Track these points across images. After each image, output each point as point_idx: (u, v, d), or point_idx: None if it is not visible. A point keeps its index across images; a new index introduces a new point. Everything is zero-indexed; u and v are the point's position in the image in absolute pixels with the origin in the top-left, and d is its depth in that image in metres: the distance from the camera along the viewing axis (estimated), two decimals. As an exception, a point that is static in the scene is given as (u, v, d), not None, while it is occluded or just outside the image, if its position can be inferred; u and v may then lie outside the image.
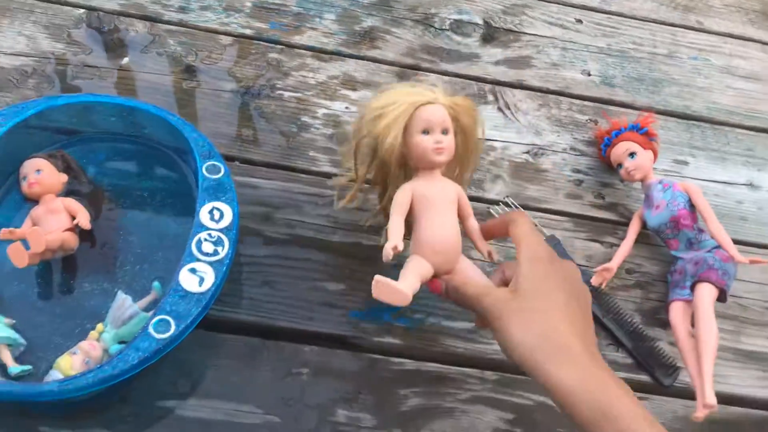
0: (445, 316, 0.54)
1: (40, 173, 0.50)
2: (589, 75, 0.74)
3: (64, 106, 0.52)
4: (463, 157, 0.49)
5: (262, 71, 0.66)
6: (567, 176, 0.65)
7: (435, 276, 0.45)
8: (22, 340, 0.45)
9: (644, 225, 0.60)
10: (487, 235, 0.49)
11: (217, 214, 0.49)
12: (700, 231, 0.57)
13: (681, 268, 0.56)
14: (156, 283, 0.49)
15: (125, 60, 0.64)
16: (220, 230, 0.48)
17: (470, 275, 0.46)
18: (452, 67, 0.71)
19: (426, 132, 0.45)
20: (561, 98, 0.71)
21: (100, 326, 0.46)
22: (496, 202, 0.61)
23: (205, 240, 0.47)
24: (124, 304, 0.47)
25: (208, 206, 0.49)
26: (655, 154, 0.61)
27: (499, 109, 0.69)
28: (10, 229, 0.47)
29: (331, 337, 0.51)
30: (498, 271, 0.47)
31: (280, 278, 0.53)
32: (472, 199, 0.61)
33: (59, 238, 0.48)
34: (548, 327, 0.39)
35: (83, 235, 0.50)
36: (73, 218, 0.49)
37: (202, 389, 0.48)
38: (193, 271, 0.45)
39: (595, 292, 0.57)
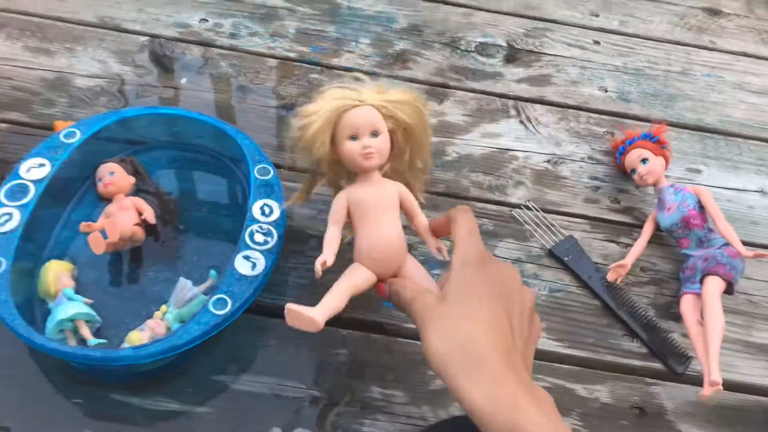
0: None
1: (113, 175, 0.57)
2: (606, 91, 0.79)
3: (133, 118, 0.60)
4: (411, 153, 0.48)
5: (304, 90, 0.73)
6: (585, 183, 0.70)
7: (380, 280, 0.46)
8: (98, 318, 0.52)
9: (658, 227, 0.64)
10: (436, 233, 0.48)
11: (267, 210, 0.55)
12: (710, 231, 0.61)
13: (692, 265, 0.60)
14: (212, 271, 0.55)
15: (183, 80, 0.71)
16: (270, 223, 0.54)
17: (414, 277, 0.45)
18: (478, 85, 0.77)
19: (353, 137, 0.45)
20: (579, 112, 0.76)
21: (164, 307, 0.53)
22: (517, 206, 0.66)
23: (257, 231, 0.53)
24: (185, 287, 0.53)
25: (259, 203, 0.55)
26: (667, 161, 0.66)
27: (521, 122, 0.74)
28: (89, 223, 0.54)
29: (367, 323, 0.57)
30: (444, 274, 0.45)
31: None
32: (494, 203, 0.66)
33: (130, 230, 0.55)
34: (466, 336, 0.37)
35: (148, 230, 0.57)
36: (141, 214, 0.56)
37: (253, 367, 0.53)
38: (246, 258, 0.52)
39: (611, 286, 0.61)
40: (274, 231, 0.54)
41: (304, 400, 0.52)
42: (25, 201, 0.52)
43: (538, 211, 0.66)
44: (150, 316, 0.53)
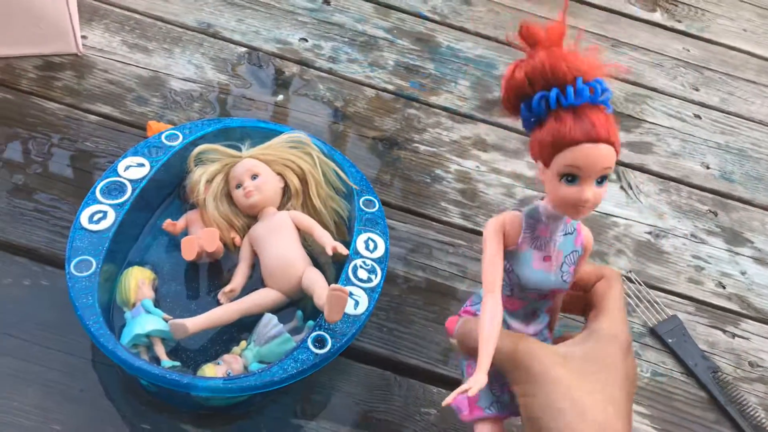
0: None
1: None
2: (708, 168, 0.75)
3: (233, 129, 0.57)
4: (309, 192, 0.54)
5: (400, 124, 0.70)
6: (687, 261, 0.65)
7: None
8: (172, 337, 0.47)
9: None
10: (577, 284, 0.40)
11: (371, 245, 0.51)
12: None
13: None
14: (299, 312, 0.50)
15: (280, 97, 0.69)
16: (374, 260, 0.50)
17: (314, 281, 0.48)
18: (577, 143, 0.74)
19: (239, 185, 0.53)
20: (681, 186, 0.72)
21: (243, 343, 0.48)
22: (619, 276, 0.62)
23: (361, 267, 0.49)
24: (270, 322, 0.48)
25: (364, 236, 0.51)
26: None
27: (622, 188, 0.71)
28: (173, 222, 0.52)
29: (460, 383, 0.52)
30: (572, 335, 0.38)
31: (413, 317, 0.55)
32: (594, 269, 0.62)
33: (219, 244, 0.51)
34: (608, 421, 0.33)
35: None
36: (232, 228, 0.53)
37: (333, 414, 0.48)
38: (349, 294, 0.47)
39: (719, 379, 0.56)
40: (378, 268, 0.50)
41: (390, 460, 0.47)
42: (121, 200, 0.49)
43: (641, 284, 0.62)
44: (230, 344, 0.48)
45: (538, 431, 0.34)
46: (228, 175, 0.53)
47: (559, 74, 0.32)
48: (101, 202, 0.48)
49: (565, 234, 0.37)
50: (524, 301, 0.39)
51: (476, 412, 0.38)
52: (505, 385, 0.38)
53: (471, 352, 0.37)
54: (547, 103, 0.32)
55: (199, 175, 0.52)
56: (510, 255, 0.37)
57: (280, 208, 0.54)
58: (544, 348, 0.36)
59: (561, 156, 0.32)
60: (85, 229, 0.46)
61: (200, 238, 0.50)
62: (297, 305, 0.51)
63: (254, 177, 0.53)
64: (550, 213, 0.36)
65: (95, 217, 0.47)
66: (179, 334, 0.45)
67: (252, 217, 0.53)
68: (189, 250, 0.49)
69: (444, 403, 0.34)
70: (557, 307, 0.41)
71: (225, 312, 0.47)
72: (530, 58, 0.33)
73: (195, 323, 0.45)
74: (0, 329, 0.47)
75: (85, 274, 0.44)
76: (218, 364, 0.46)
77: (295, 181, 0.54)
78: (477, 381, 0.33)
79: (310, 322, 0.49)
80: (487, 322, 0.35)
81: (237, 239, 0.52)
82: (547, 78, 0.32)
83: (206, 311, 0.47)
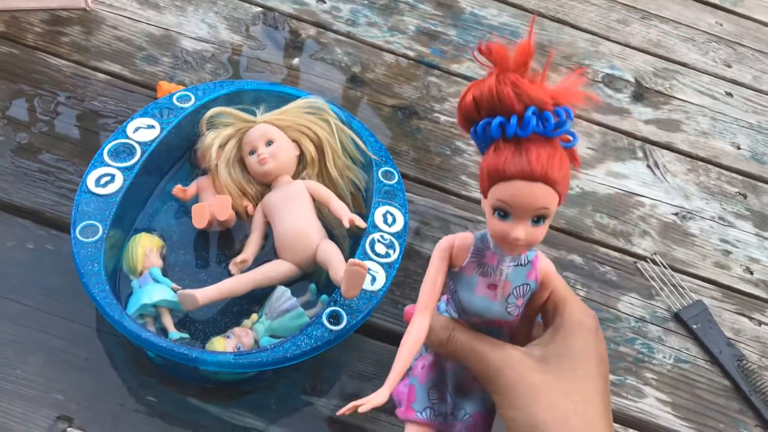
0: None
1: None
2: (739, 148, 0.72)
3: (252, 92, 0.54)
4: (325, 160, 0.52)
5: (420, 92, 0.67)
6: (715, 245, 0.63)
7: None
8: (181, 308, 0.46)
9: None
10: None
11: (390, 218, 0.49)
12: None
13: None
14: (312, 285, 0.48)
15: (296, 60, 0.66)
16: (392, 234, 0.48)
17: (330, 255, 0.46)
18: (603, 119, 0.71)
19: (252, 152, 0.50)
20: (710, 166, 0.69)
21: (254, 316, 0.46)
22: (643, 258, 0.60)
23: (378, 241, 0.47)
24: (283, 295, 0.46)
25: (382, 209, 0.49)
26: (560, 200, 0.32)
27: (649, 166, 0.68)
28: (183, 187, 0.49)
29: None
30: (544, 331, 0.36)
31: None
32: (618, 250, 0.60)
33: (231, 212, 0.49)
34: (586, 422, 0.32)
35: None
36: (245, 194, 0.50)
37: (348, 391, 0.47)
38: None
39: (744, 368, 0.54)
40: (396, 243, 0.48)
41: (401, 440, 0.45)
42: (129, 163, 0.46)
43: (665, 267, 0.59)
44: (241, 316, 0.47)
45: None
46: (241, 141, 0.51)
47: (506, 102, 0.29)
48: (109, 165, 0.46)
49: (517, 265, 0.34)
50: (473, 327, 0.36)
51: (409, 412, 0.37)
52: (445, 394, 0.37)
53: (442, 347, 0.36)
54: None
55: (212, 140, 0.49)
56: (456, 277, 0.35)
57: (295, 177, 0.52)
58: (519, 354, 0.34)
59: (495, 189, 0.30)
60: (92, 193, 0.44)
61: (212, 205, 0.48)
62: (310, 278, 0.49)
63: (269, 143, 0.50)
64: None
65: (102, 181, 0.45)
66: (188, 305, 0.43)
67: (265, 185, 0.51)
68: (200, 218, 0.47)
69: (338, 413, 0.34)
70: (517, 336, 0.39)
71: (236, 283, 0.45)
72: (481, 82, 0.30)
73: (205, 294, 0.43)
74: (2, 293, 0.45)
75: (91, 239, 0.42)
76: (228, 337, 0.45)
77: (311, 149, 0.52)
78: (376, 397, 0.33)
79: (324, 297, 0.47)
80: (408, 342, 0.34)
81: (250, 208, 0.50)
82: (494, 105, 0.29)
83: (216, 282, 0.45)
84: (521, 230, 0.30)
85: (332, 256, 0.46)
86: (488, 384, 0.34)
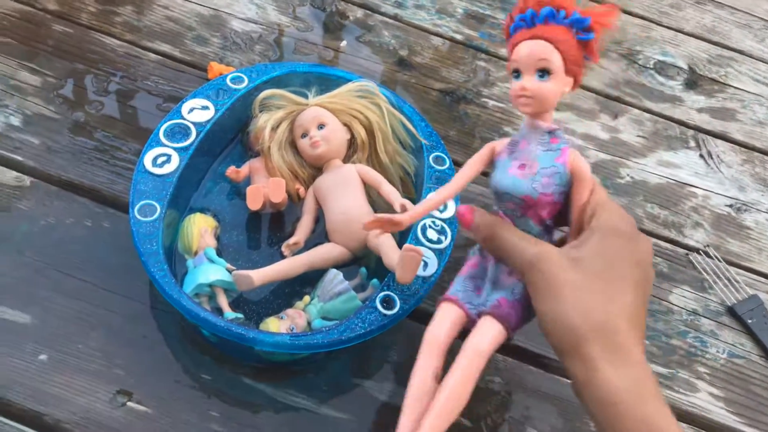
0: (641, 356, 0.51)
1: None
2: (796, 140, 0.70)
3: (303, 74, 0.54)
4: (376, 144, 0.51)
5: (469, 76, 0.66)
6: (770, 238, 0.61)
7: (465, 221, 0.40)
8: (236, 288, 0.46)
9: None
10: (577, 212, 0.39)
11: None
12: (547, 233, 0.40)
13: (484, 266, 0.42)
14: (363, 269, 0.48)
15: (343, 43, 0.65)
16: (444, 220, 0.48)
17: (384, 246, 0.45)
18: (655, 106, 0.69)
19: (304, 135, 0.50)
20: (766, 158, 0.67)
21: (306, 298, 0.46)
22: (695, 250, 0.58)
23: (430, 227, 0.47)
24: (335, 278, 0.46)
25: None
26: (576, 81, 0.38)
27: (702, 156, 0.66)
28: (237, 168, 0.49)
29: (527, 353, 0.50)
30: (579, 234, 0.37)
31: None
32: (669, 241, 0.59)
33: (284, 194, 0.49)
34: (609, 320, 0.34)
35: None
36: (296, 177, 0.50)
37: (397, 376, 0.47)
38: (420, 255, 0.45)
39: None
40: (448, 229, 0.47)
41: (453, 426, 0.45)
42: (185, 144, 0.47)
43: (719, 260, 0.58)
44: (293, 298, 0.47)
45: (547, 336, 0.36)
46: (293, 123, 0.51)
47: (530, 3, 0.37)
48: (165, 145, 0.46)
49: (546, 150, 0.38)
50: (511, 220, 0.40)
51: (449, 292, 0.40)
52: (482, 288, 0.40)
53: (487, 242, 0.39)
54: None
55: (264, 122, 0.49)
56: (495, 164, 0.40)
57: (345, 161, 0.51)
58: (555, 252, 0.36)
59: (511, 57, 0.38)
60: (149, 173, 0.45)
61: (266, 187, 0.48)
62: (360, 262, 0.49)
63: (321, 126, 0.50)
64: (528, 127, 0.39)
65: (159, 161, 0.45)
66: (243, 286, 0.43)
67: (317, 168, 0.51)
68: (255, 200, 0.47)
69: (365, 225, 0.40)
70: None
71: (291, 265, 0.45)
72: None
73: (261, 275, 0.43)
74: (64, 269, 0.46)
75: (150, 219, 0.43)
76: (282, 318, 0.45)
77: (362, 133, 0.51)
78: (398, 216, 0.40)
79: (375, 281, 0.47)
80: (434, 194, 0.42)
81: (301, 190, 0.50)
82: (522, 7, 0.38)
83: (269, 263, 0.45)
84: (527, 80, 0.37)
85: (384, 241, 0.46)
86: (524, 277, 0.37)
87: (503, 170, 0.39)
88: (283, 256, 0.47)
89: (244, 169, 0.51)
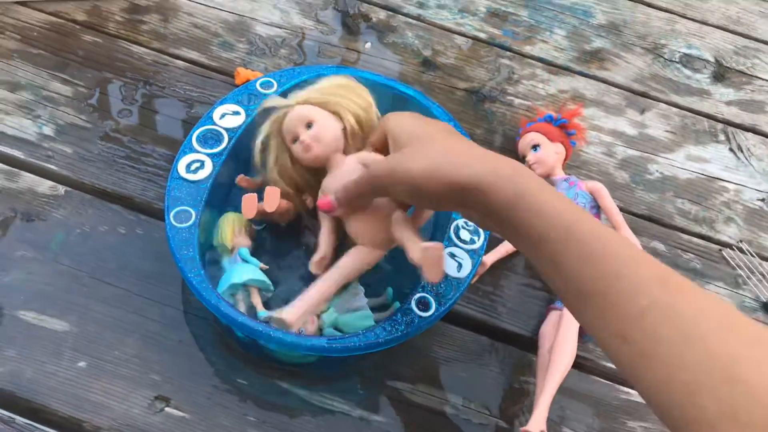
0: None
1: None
2: (828, 131, 0.69)
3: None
4: (359, 122, 0.47)
5: (493, 75, 0.66)
6: (804, 232, 0.60)
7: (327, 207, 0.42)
8: (272, 287, 0.46)
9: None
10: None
11: (473, 205, 0.48)
12: None
13: None
14: (389, 289, 0.47)
15: (367, 45, 0.65)
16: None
17: (401, 231, 0.42)
18: (682, 101, 0.68)
19: (295, 140, 0.45)
20: (797, 150, 0.66)
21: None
22: (728, 245, 0.58)
23: (463, 227, 0.47)
24: (357, 293, 0.46)
25: (465, 195, 0.48)
26: (568, 150, 0.57)
27: (731, 150, 0.65)
28: (247, 177, 0.48)
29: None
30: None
31: (508, 282, 0.52)
32: (701, 237, 0.58)
33: (285, 204, 0.47)
34: (444, 147, 0.37)
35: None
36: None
37: (432, 378, 0.47)
38: (452, 255, 0.45)
39: None
40: (480, 230, 0.47)
41: (488, 427, 0.45)
42: (218, 149, 0.47)
43: (753, 255, 0.57)
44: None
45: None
46: (282, 132, 0.46)
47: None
48: (198, 151, 0.46)
49: (568, 189, 0.54)
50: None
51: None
52: None
53: (362, 198, 0.41)
54: None
55: (257, 143, 0.46)
56: None
57: (348, 150, 0.47)
58: (389, 157, 0.40)
59: None
60: (183, 179, 0.45)
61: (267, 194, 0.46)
62: (389, 282, 0.48)
63: (309, 125, 0.45)
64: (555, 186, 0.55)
65: (193, 167, 0.46)
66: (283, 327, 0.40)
67: (321, 170, 0.46)
68: (248, 208, 0.46)
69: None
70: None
71: (323, 290, 0.41)
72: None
73: (296, 317, 0.39)
74: (99, 276, 0.46)
75: (185, 225, 0.43)
76: None
77: (351, 120, 0.46)
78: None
79: (397, 303, 0.47)
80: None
81: (309, 201, 0.48)
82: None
83: (300, 263, 0.46)
84: (529, 155, 0.56)
85: (402, 233, 0.41)
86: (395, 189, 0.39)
87: None
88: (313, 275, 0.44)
89: (258, 179, 0.49)
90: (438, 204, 0.38)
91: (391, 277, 0.48)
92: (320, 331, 0.45)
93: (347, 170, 0.44)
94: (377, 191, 0.40)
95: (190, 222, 0.43)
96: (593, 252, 0.31)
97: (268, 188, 0.47)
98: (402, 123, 0.41)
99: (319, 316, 0.45)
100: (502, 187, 0.34)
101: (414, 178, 0.36)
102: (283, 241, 0.49)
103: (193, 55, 0.60)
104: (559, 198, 0.34)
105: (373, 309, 0.46)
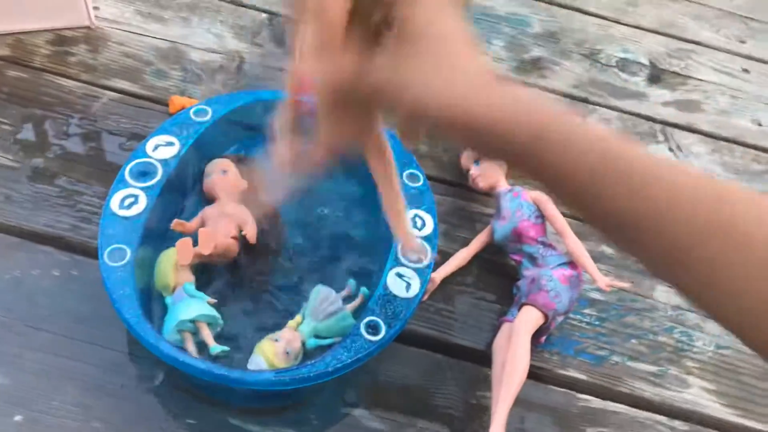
0: (630, 357, 0.51)
1: (225, 174, 0.50)
2: (760, 125, 0.71)
3: (272, 101, 0.53)
4: None
5: (434, 89, 0.66)
6: (745, 226, 0.62)
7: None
8: (221, 321, 0.45)
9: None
10: None
11: (419, 222, 0.48)
12: (547, 247, 0.51)
13: (521, 286, 0.51)
14: (352, 280, 0.48)
15: (306, 65, 0.65)
16: (423, 237, 0.47)
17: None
18: (621, 104, 0.69)
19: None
20: (734, 146, 0.68)
21: (298, 318, 0.45)
22: (674, 244, 0.59)
23: (409, 245, 0.46)
24: (329, 297, 0.46)
25: (410, 213, 0.48)
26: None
27: (671, 149, 0.67)
28: (182, 221, 0.47)
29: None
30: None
31: (461, 296, 0.52)
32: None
33: (225, 243, 0.46)
34: (472, 67, 0.27)
35: (246, 247, 0.48)
36: (241, 229, 0.48)
37: (388, 401, 0.46)
38: (399, 275, 0.44)
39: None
40: (427, 246, 0.47)
41: (449, 449, 0.45)
42: (151, 183, 0.45)
43: (698, 252, 0.58)
44: (277, 324, 0.46)
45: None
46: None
47: None
48: (131, 186, 0.45)
49: (511, 200, 0.53)
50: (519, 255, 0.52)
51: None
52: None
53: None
54: None
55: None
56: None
57: None
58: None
59: None
60: (117, 216, 0.43)
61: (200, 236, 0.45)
62: (349, 273, 0.49)
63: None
64: (499, 199, 0.54)
65: (126, 202, 0.44)
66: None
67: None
68: (185, 254, 0.44)
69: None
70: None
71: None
72: None
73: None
74: (33, 324, 0.44)
75: (120, 263, 0.41)
76: (277, 341, 0.44)
77: None
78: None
79: (364, 289, 0.47)
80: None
81: (247, 234, 0.48)
82: None
83: (254, 298, 0.44)
84: (473, 169, 0.57)
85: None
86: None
87: (496, 227, 0.53)
88: (255, 290, 0.45)
89: (194, 222, 0.48)
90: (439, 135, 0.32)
91: (349, 266, 0.49)
92: (303, 344, 0.44)
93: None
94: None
95: (125, 260, 0.41)
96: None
97: (201, 230, 0.45)
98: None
99: (296, 330, 0.45)
100: (525, 121, 0.26)
101: (425, 106, 0.27)
102: (221, 275, 0.48)
103: (125, 85, 0.59)
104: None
105: (343, 301, 0.46)
